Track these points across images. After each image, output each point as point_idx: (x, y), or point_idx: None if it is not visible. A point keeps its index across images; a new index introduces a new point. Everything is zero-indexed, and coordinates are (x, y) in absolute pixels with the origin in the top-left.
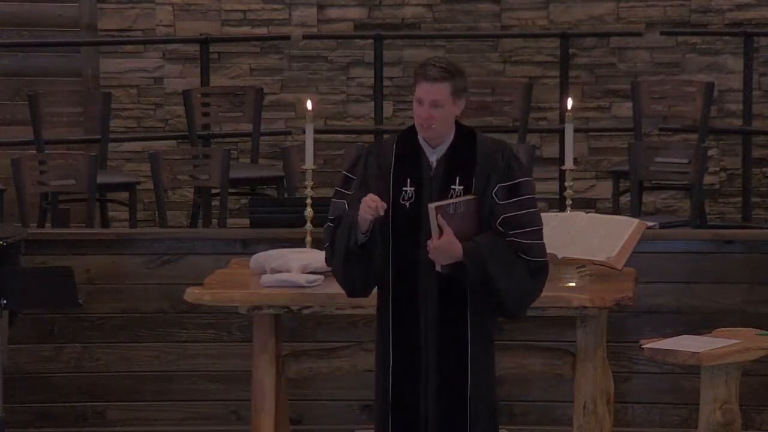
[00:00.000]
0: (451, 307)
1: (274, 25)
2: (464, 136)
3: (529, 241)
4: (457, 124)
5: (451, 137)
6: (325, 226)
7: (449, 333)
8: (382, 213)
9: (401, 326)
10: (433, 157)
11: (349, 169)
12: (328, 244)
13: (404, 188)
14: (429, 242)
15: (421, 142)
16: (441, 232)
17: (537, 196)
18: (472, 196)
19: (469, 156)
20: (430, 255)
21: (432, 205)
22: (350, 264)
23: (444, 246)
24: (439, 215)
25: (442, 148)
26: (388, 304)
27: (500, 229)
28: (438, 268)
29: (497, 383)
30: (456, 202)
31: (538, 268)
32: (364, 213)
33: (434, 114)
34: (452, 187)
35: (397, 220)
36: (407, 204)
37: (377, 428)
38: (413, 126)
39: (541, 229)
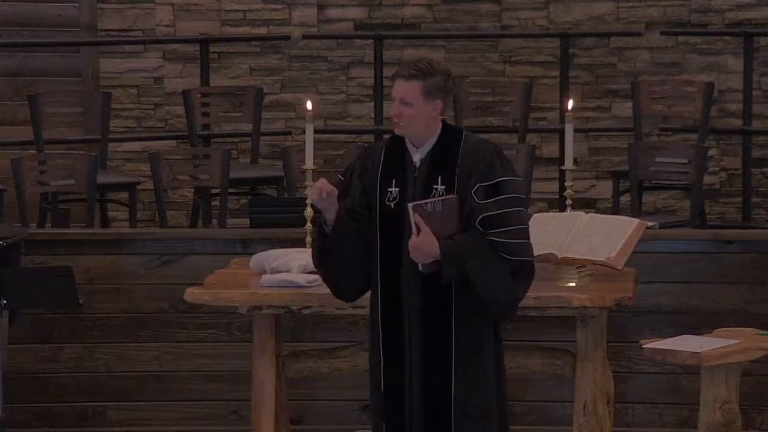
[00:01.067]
0: (435, 307)
1: (274, 25)
2: (449, 135)
3: (509, 241)
4: (444, 124)
5: (436, 137)
6: None
7: (433, 331)
8: (325, 195)
9: (388, 325)
10: (417, 157)
11: (343, 172)
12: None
13: (389, 189)
14: (409, 241)
15: (408, 143)
16: (420, 231)
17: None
18: (451, 195)
19: (452, 155)
20: (410, 254)
21: (410, 204)
22: (325, 262)
23: (421, 245)
24: (416, 214)
25: (426, 148)
26: (377, 303)
27: (480, 228)
28: (420, 268)
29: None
30: (434, 201)
31: (520, 267)
32: (312, 195)
33: (403, 111)
34: (434, 186)
35: (382, 220)
36: (392, 204)
37: (373, 427)
38: None
39: (525, 228)
